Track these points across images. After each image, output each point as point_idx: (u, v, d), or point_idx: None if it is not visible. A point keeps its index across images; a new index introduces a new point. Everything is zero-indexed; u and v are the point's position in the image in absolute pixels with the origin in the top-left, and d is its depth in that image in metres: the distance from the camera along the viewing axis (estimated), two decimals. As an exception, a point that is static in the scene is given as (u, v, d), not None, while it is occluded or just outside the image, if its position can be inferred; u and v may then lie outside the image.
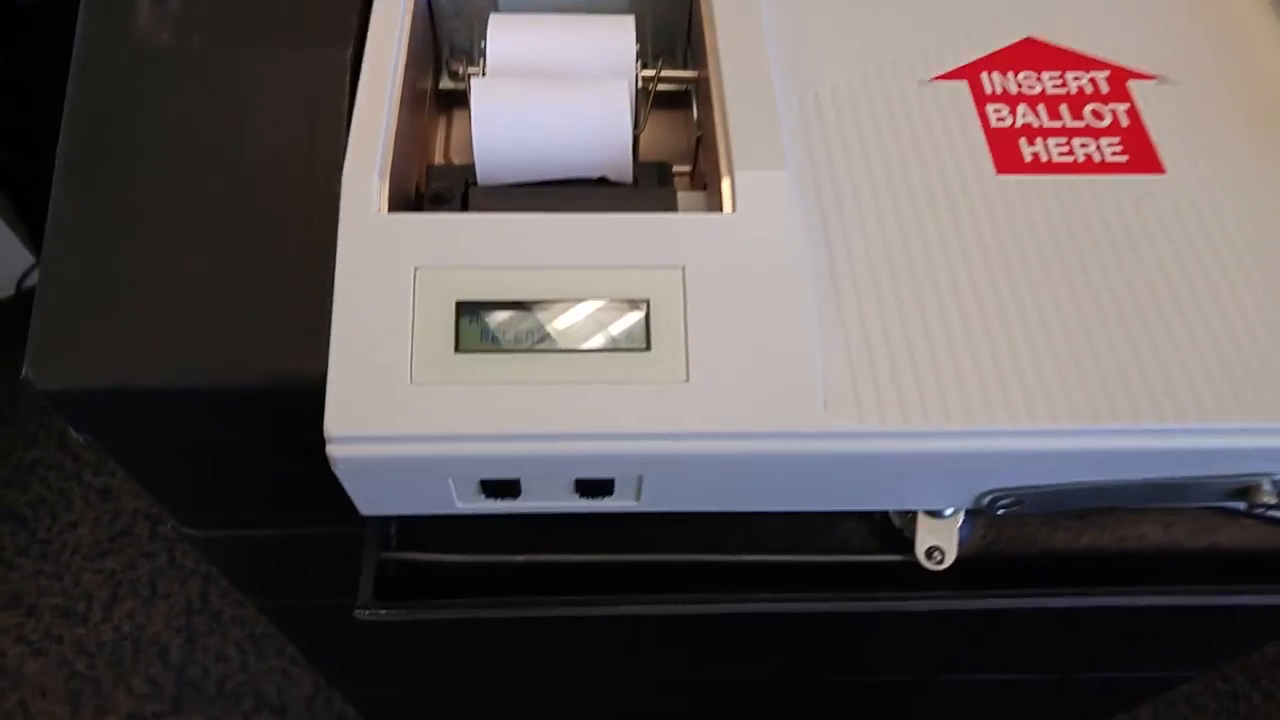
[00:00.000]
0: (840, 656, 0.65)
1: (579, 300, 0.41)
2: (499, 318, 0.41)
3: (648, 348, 0.40)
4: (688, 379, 0.40)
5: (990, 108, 0.49)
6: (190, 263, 0.43)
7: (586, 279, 0.41)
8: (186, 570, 1.22)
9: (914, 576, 0.47)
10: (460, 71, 0.52)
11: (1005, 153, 0.48)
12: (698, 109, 0.52)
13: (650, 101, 0.52)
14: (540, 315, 0.41)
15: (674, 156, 0.54)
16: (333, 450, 0.39)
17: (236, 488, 0.50)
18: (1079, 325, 0.42)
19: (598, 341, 0.41)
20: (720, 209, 0.43)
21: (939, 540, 0.46)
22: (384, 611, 0.43)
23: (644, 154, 0.54)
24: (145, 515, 1.26)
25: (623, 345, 0.41)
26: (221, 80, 0.46)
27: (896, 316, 0.42)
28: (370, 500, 0.43)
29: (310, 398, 0.40)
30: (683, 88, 0.54)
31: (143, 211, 0.44)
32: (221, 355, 0.41)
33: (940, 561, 0.46)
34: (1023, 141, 0.48)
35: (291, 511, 0.52)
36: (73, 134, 0.45)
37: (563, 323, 0.41)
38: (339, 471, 0.40)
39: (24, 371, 0.41)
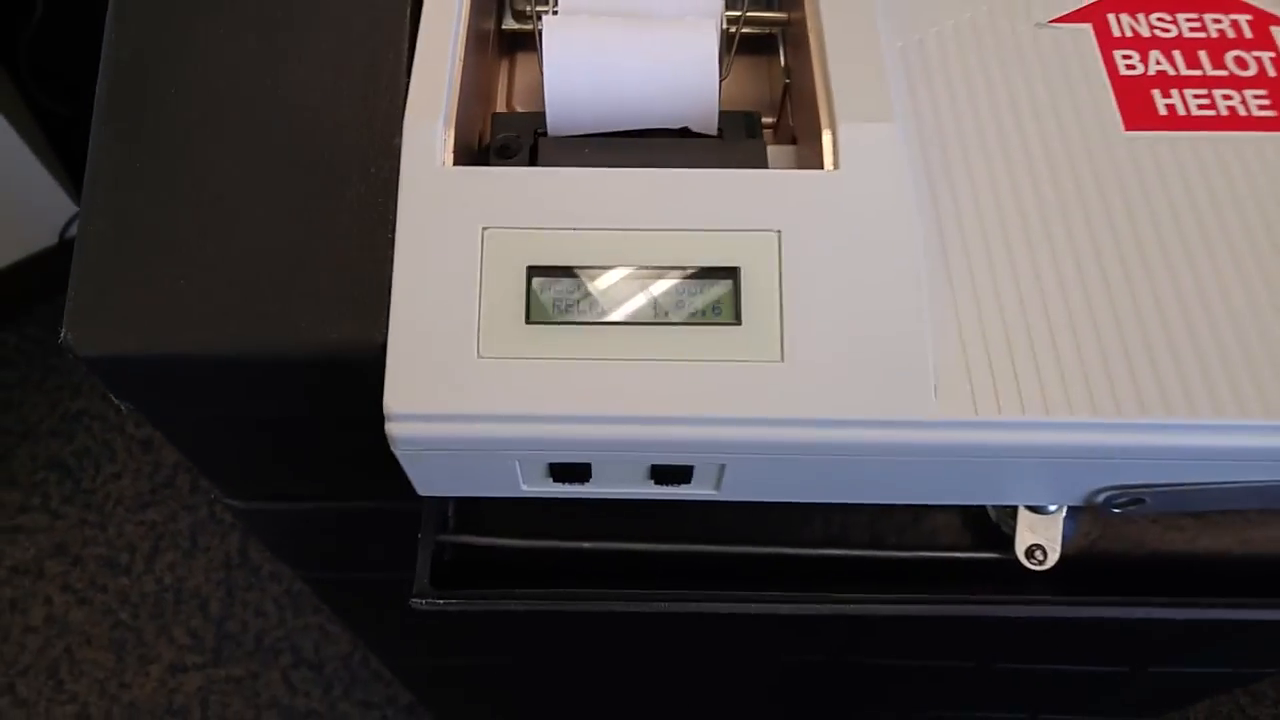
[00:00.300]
0: (909, 647, 0.61)
1: (662, 267, 0.37)
2: (574, 285, 0.37)
3: (738, 321, 0.36)
4: (782, 358, 0.36)
5: (1118, 54, 0.44)
6: (238, 220, 0.39)
7: (670, 243, 0.37)
8: (226, 524, 1.21)
9: (1009, 575, 0.43)
10: (528, 10, 0.48)
11: (1136, 105, 0.43)
12: (785, 55, 0.48)
13: (735, 46, 0.47)
14: (619, 283, 0.37)
15: (757, 106, 0.50)
16: (392, 429, 0.36)
17: (284, 460, 0.47)
18: (1222, 305, 0.38)
19: (682, 314, 0.37)
20: (817, 165, 0.39)
21: (1042, 538, 0.42)
22: (442, 602, 0.40)
23: (724, 104, 0.50)
24: (186, 468, 1.24)
25: (710, 319, 0.36)
26: (272, 17, 0.42)
27: (1013, 292, 0.38)
28: (429, 481, 0.39)
29: (367, 369, 0.37)
30: (768, 31, 0.49)
31: (186, 163, 0.40)
32: (272, 322, 0.38)
33: (1042, 562, 0.42)
34: (1156, 93, 0.43)
35: (342, 485, 0.48)
36: (111, 77, 0.41)
37: (643, 292, 0.37)
38: (398, 451, 0.37)
39: (62, 335, 0.38)
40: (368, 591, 0.59)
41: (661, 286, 0.37)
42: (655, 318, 0.37)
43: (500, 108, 0.50)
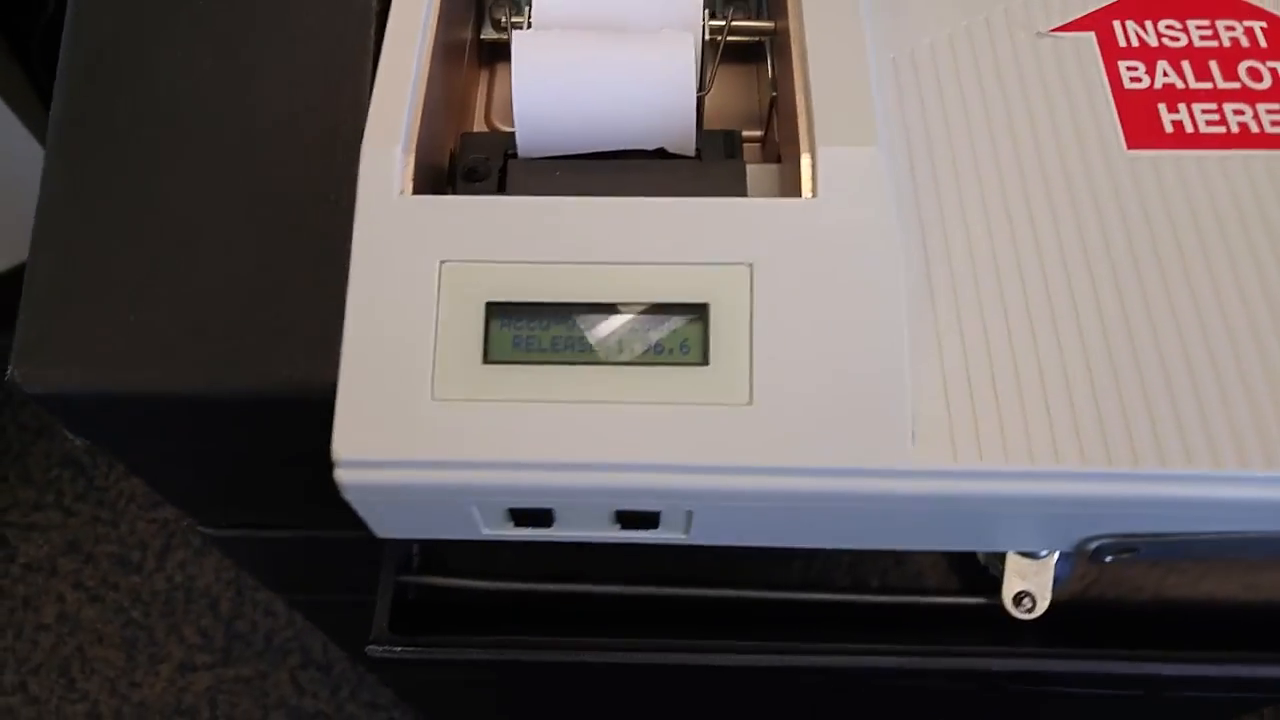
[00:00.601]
0: (893, 690, 0.59)
1: (627, 302, 0.35)
2: (534, 322, 0.35)
3: (705, 362, 0.34)
4: (751, 401, 0.34)
5: (1123, 65, 0.42)
6: (191, 251, 0.37)
7: (636, 277, 0.35)
8: (239, 521, 1.20)
9: (998, 620, 0.41)
10: (503, 20, 0.46)
11: (1139, 121, 0.40)
12: (773, 66, 0.45)
13: (719, 56, 0.45)
14: (582, 320, 0.35)
15: (743, 119, 0.48)
16: (341, 475, 0.34)
17: (249, 492, 0.45)
18: (1227, 346, 0.35)
19: (646, 353, 0.35)
20: (798, 191, 0.37)
21: (1031, 585, 0.40)
22: (399, 650, 0.38)
23: (709, 116, 0.48)
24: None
25: (677, 358, 0.34)
26: (233, 35, 0.40)
27: (1001, 331, 0.36)
28: (385, 525, 0.38)
29: (322, 408, 0.35)
30: (756, 39, 0.47)
31: (141, 189, 0.38)
32: (222, 360, 0.36)
33: (1030, 610, 0.40)
34: (1162, 107, 0.41)
35: (308, 516, 0.47)
36: (64, 99, 0.39)
37: (607, 329, 0.35)
38: (349, 498, 0.35)
39: (9, 371, 0.36)
40: (349, 613, 0.58)
41: (627, 324, 0.35)
42: (619, 357, 0.35)
43: (479, 121, 0.48)
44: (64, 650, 1.17)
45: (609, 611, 0.43)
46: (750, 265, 0.35)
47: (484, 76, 0.49)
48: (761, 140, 0.47)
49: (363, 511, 0.36)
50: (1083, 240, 0.37)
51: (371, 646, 0.38)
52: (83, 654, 1.17)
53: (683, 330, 0.35)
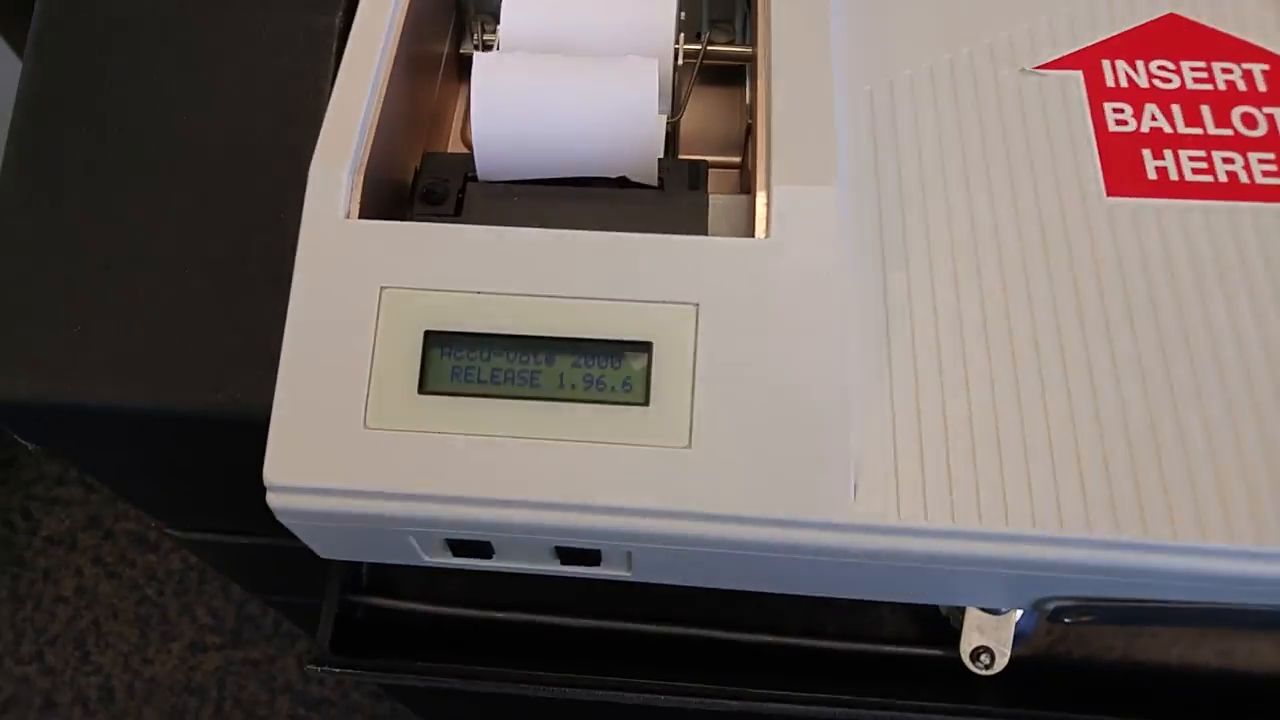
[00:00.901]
0: None
1: (567, 338, 0.34)
2: (474, 353, 0.34)
3: (646, 402, 0.34)
4: (690, 444, 0.33)
5: (1109, 106, 0.40)
6: (142, 264, 0.37)
7: (578, 312, 0.34)
8: (254, 506, 1.21)
9: (957, 674, 0.40)
10: (476, 38, 0.45)
11: (1121, 167, 0.39)
12: (750, 92, 0.44)
13: (694, 80, 0.44)
14: (522, 353, 0.34)
15: (724, 144, 0.47)
16: (273, 500, 0.34)
17: (207, 501, 0.45)
18: (1195, 411, 0.34)
19: (588, 390, 0.34)
20: (754, 230, 0.36)
21: (990, 640, 0.39)
22: (338, 670, 0.38)
23: (688, 139, 0.47)
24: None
25: (616, 397, 0.34)
26: (190, 52, 0.40)
27: (959, 383, 0.34)
28: (327, 548, 0.37)
29: (262, 428, 0.35)
30: (738, 64, 0.46)
31: (94, 201, 0.38)
32: (169, 375, 0.36)
33: (988, 666, 0.39)
34: (1146, 153, 0.39)
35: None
36: (23, 111, 0.39)
37: (546, 364, 0.34)
38: (282, 521, 0.35)
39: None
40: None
41: (569, 359, 0.34)
42: (559, 394, 0.34)
43: (453, 137, 0.47)
44: (80, 623, 1.19)
45: (559, 640, 0.42)
46: (696, 305, 0.34)
47: (462, 91, 0.48)
48: (740, 166, 0.46)
49: (300, 534, 0.36)
50: (1053, 292, 0.36)
51: (310, 666, 0.38)
52: (98, 628, 1.19)
53: (625, 368, 0.34)
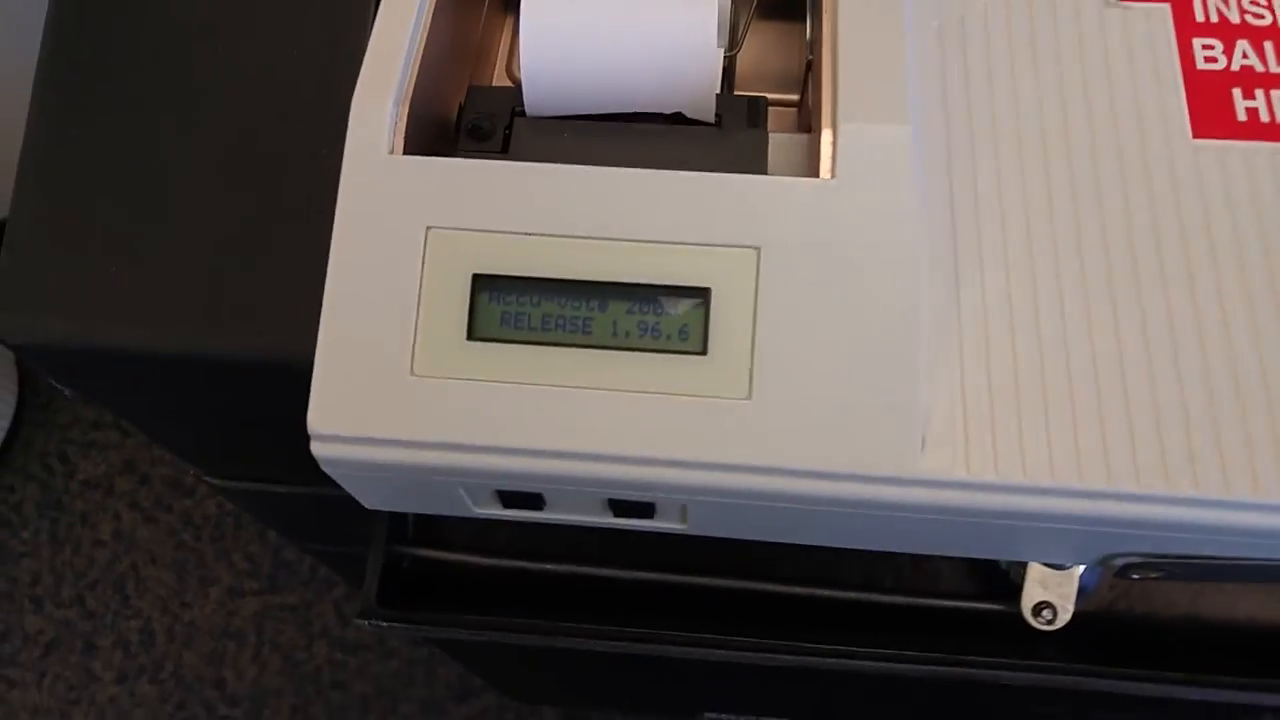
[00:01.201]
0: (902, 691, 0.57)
1: (621, 283, 0.33)
2: (524, 298, 0.33)
3: (704, 351, 0.32)
4: (750, 395, 0.32)
5: (1198, 42, 0.38)
6: (177, 205, 0.36)
7: (635, 256, 0.33)
8: (289, 452, 1.21)
9: (1017, 630, 0.38)
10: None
11: (1209, 107, 0.36)
12: (810, 26, 0.42)
13: (753, 10, 0.42)
14: (575, 298, 0.33)
15: (781, 81, 0.45)
16: (317, 449, 0.33)
17: (246, 448, 0.44)
18: (1281, 363, 0.32)
19: (643, 338, 0.32)
20: (818, 170, 0.34)
21: (1053, 596, 0.37)
22: (386, 625, 0.37)
23: (743, 76, 0.45)
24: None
25: (674, 345, 0.32)
26: (229, -24, 0.38)
27: (1031, 335, 0.33)
28: (372, 498, 0.36)
29: (307, 374, 0.33)
30: (797, -4, 0.44)
31: (129, 138, 0.37)
32: (206, 319, 0.35)
33: (1050, 622, 0.37)
34: (1237, 92, 0.37)
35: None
36: (51, 43, 0.38)
37: (599, 310, 0.33)
38: (327, 471, 0.34)
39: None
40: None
41: (622, 305, 0.33)
42: (613, 341, 0.32)
43: (499, 71, 0.46)
44: (119, 567, 1.20)
45: (611, 592, 0.41)
46: (757, 249, 0.32)
47: (509, 22, 0.46)
48: (798, 105, 0.44)
49: (346, 485, 0.35)
50: (1131, 238, 0.34)
51: (359, 620, 0.37)
52: (137, 572, 1.20)
53: (682, 315, 0.32)
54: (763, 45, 0.45)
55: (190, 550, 1.20)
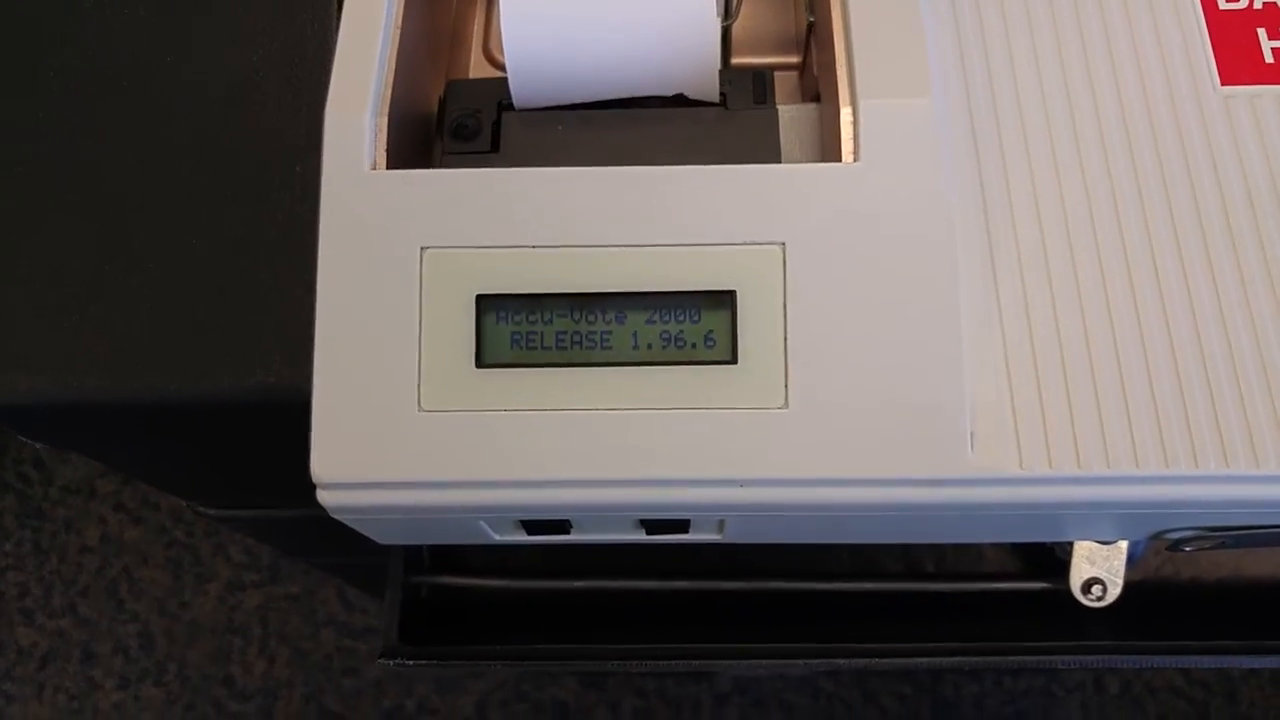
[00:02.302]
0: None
1: (639, 292, 0.30)
2: (534, 317, 0.30)
3: (733, 359, 0.30)
4: (786, 404, 0.29)
5: (1219, -19, 0.35)
6: (139, 237, 0.33)
7: (651, 261, 0.30)
8: (274, 442, 1.18)
9: (1064, 606, 0.37)
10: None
11: (1235, 52, 0.34)
12: (809, -13, 0.39)
13: (745, -22, 0.39)
14: (590, 313, 0.30)
15: (776, 43, 0.42)
16: (324, 498, 0.31)
17: (242, 479, 0.42)
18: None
19: (666, 349, 0.30)
20: (837, 142, 0.32)
21: (1101, 571, 0.36)
22: (411, 663, 0.35)
23: (737, 39, 0.42)
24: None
25: (700, 356, 0.30)
26: (172, -19, 0.35)
27: (1075, 313, 0.31)
28: (386, 537, 0.34)
29: (300, 410, 0.31)
30: (789, -46, 0.41)
31: (76, 166, 0.34)
32: (185, 362, 0.32)
33: (1101, 599, 0.36)
34: (1261, 33, 0.34)
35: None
36: (-8, 61, 0.34)
37: (617, 323, 0.30)
38: (337, 517, 0.32)
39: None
40: (368, 573, 0.55)
41: (641, 316, 0.30)
42: (635, 356, 0.30)
43: (475, 54, 0.43)
44: (110, 572, 1.18)
45: (640, 601, 0.40)
46: (782, 245, 0.30)
47: (482, 2, 0.43)
48: (799, 68, 0.41)
49: (357, 527, 0.33)
50: (1169, 202, 0.32)
51: (382, 660, 0.35)
52: (129, 575, 1.17)
53: (707, 322, 0.30)
54: (753, 3, 0.42)
55: (183, 547, 1.17)
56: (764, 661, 0.34)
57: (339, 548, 0.52)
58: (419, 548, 0.39)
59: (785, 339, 0.30)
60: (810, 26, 0.39)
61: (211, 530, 1.17)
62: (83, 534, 1.18)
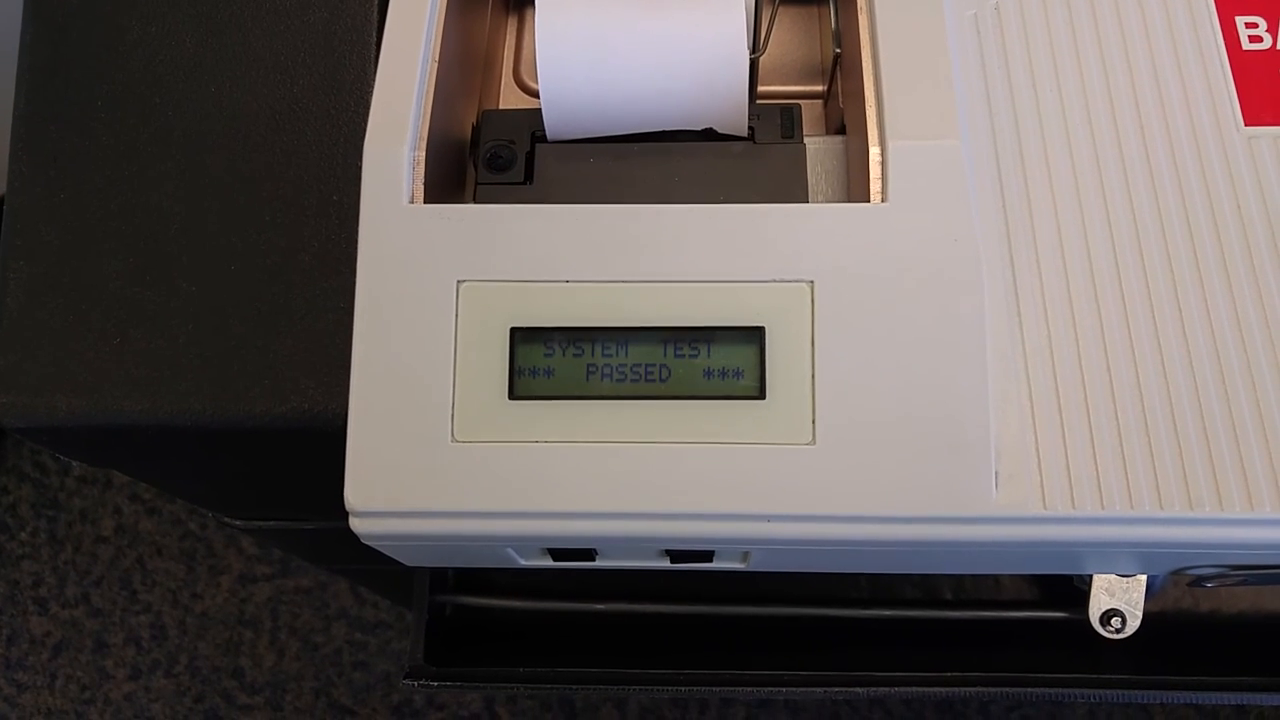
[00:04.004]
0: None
1: (669, 327, 0.31)
2: (565, 351, 0.31)
3: (761, 395, 0.30)
4: (814, 440, 0.30)
5: (1241, 21, 0.36)
6: (180, 262, 0.34)
7: (682, 297, 0.31)
8: (288, 437, 1.19)
9: (1083, 637, 0.37)
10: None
11: (1259, 90, 0.35)
12: (837, 17, 0.40)
13: (776, 10, 0.39)
14: (620, 347, 0.31)
15: (801, 71, 0.43)
16: (357, 525, 0.31)
17: (270, 494, 0.42)
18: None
19: (695, 385, 0.31)
20: (865, 177, 0.32)
21: (1120, 603, 0.36)
22: (436, 684, 0.36)
23: (764, 67, 0.42)
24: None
25: (730, 391, 0.31)
26: (214, 11, 0.36)
27: (1098, 353, 0.31)
28: (414, 560, 0.35)
29: (334, 437, 0.32)
30: (817, -16, 0.41)
31: (119, 193, 0.34)
32: (221, 386, 0.33)
33: (1120, 630, 0.36)
34: (1288, 73, 0.35)
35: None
36: (28, 86, 0.35)
37: (650, 358, 0.31)
38: (368, 544, 0.32)
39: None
40: (388, 580, 0.56)
41: (671, 350, 0.31)
42: (664, 390, 0.31)
43: (506, 78, 0.43)
44: (124, 562, 1.19)
45: (661, 623, 0.40)
46: (811, 282, 0.31)
47: (511, 24, 0.44)
48: (824, 96, 0.41)
49: (387, 552, 0.33)
50: (1193, 242, 0.32)
51: (407, 680, 0.36)
52: (143, 566, 1.18)
53: (736, 357, 0.31)
54: (777, 33, 0.43)
55: (197, 539, 1.18)
56: (784, 689, 0.35)
57: (361, 557, 0.53)
58: (444, 571, 0.39)
59: (813, 376, 0.30)
60: (837, 57, 0.39)
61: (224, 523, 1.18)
62: (98, 524, 1.19)
